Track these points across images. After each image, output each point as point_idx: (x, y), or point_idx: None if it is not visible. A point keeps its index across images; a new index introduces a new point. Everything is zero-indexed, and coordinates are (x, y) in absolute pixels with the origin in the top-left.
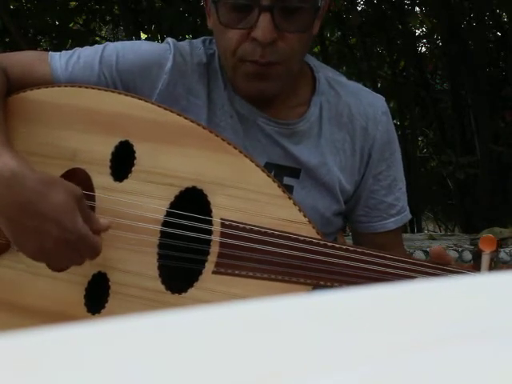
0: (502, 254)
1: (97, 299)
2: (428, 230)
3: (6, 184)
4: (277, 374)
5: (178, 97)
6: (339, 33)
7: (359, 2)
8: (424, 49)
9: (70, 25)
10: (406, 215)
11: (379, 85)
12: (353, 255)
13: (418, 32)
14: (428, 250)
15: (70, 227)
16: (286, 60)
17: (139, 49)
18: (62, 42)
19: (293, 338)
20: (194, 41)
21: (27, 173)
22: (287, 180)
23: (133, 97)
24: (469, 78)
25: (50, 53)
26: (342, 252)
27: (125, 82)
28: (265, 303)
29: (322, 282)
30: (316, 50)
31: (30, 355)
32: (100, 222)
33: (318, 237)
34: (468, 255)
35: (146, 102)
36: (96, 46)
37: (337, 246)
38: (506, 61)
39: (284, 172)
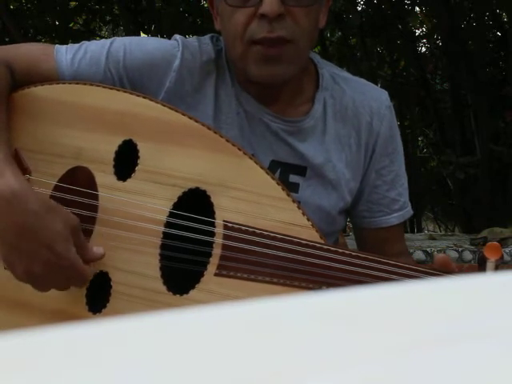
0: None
1: (98, 298)
2: (428, 230)
3: (6, 204)
4: (277, 373)
5: (185, 94)
6: (339, 33)
7: (359, 2)
8: (424, 49)
9: (70, 25)
10: (408, 211)
11: (379, 85)
12: (356, 260)
13: (418, 32)
14: (428, 250)
15: (62, 255)
16: (295, 38)
17: (147, 45)
18: (62, 42)
19: (293, 337)
20: (202, 37)
21: (29, 195)
22: (293, 178)
23: (138, 95)
24: (469, 78)
25: (56, 47)
26: (345, 257)
27: (131, 78)
28: (265, 303)
29: (324, 287)
30: (316, 50)
31: (30, 355)
32: (93, 252)
33: (321, 241)
34: (468, 255)
35: (151, 100)
36: (103, 40)
37: (340, 250)
38: (506, 61)
39: (290, 170)
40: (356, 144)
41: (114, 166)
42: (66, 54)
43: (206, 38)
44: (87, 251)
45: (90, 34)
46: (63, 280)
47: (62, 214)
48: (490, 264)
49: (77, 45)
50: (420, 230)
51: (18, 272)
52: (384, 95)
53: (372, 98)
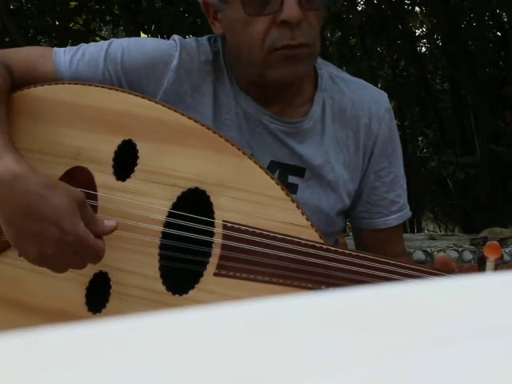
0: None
1: (98, 298)
2: (428, 230)
3: (7, 187)
4: (277, 373)
5: (184, 94)
6: (339, 33)
7: (359, 2)
8: (424, 49)
9: (70, 25)
10: (407, 212)
11: (379, 85)
12: (356, 260)
13: (418, 32)
14: (428, 250)
15: (70, 231)
16: (312, 42)
17: (145, 46)
18: (62, 42)
19: (293, 337)
20: (200, 38)
21: (29, 176)
22: (292, 179)
23: (137, 95)
24: (469, 78)
25: (55, 49)
26: (345, 257)
27: (130, 79)
28: (265, 303)
29: (323, 287)
30: None
31: (30, 355)
32: (104, 225)
33: (321, 241)
34: (468, 255)
35: (150, 100)
36: (101, 42)
37: (339, 250)
38: (506, 61)
39: (289, 171)
40: (354, 145)
41: (114, 166)
42: (64, 56)
43: (204, 39)
44: (97, 224)
45: (89, 34)
46: (77, 257)
47: (65, 189)
48: (489, 263)
49: (75, 47)
50: (420, 230)
51: (31, 257)
52: (384, 97)
53: (371, 100)
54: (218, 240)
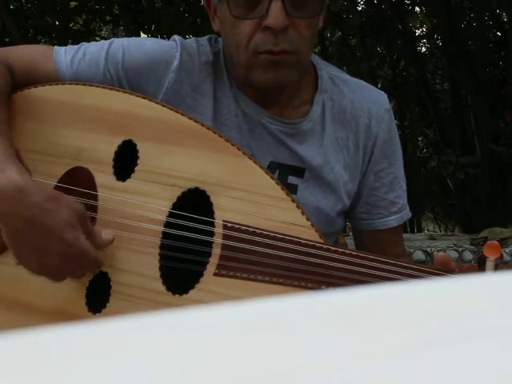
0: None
1: (98, 298)
2: (428, 230)
3: (11, 199)
4: (277, 373)
5: (184, 95)
6: (339, 33)
7: (359, 2)
8: (424, 49)
9: (70, 25)
10: (407, 213)
11: (379, 85)
12: (356, 260)
13: (418, 32)
14: (428, 250)
15: (72, 243)
16: (298, 49)
17: (146, 46)
18: (62, 42)
19: (293, 337)
20: (200, 39)
21: (32, 188)
22: (291, 179)
23: (137, 96)
24: (469, 78)
25: (56, 48)
26: (345, 257)
27: (130, 79)
28: (265, 303)
29: (323, 286)
30: (316, 50)
31: (30, 355)
32: (102, 238)
33: (321, 240)
34: (468, 255)
35: (151, 101)
36: (102, 41)
37: (340, 250)
38: (506, 61)
39: (288, 171)
40: (354, 146)
41: (114, 167)
42: (65, 56)
43: (204, 40)
44: (96, 237)
45: (89, 34)
46: (77, 268)
47: (66, 202)
48: (489, 263)
49: (76, 46)
50: (420, 230)
51: (32, 267)
52: (383, 98)
53: (371, 101)
54: (218, 240)
